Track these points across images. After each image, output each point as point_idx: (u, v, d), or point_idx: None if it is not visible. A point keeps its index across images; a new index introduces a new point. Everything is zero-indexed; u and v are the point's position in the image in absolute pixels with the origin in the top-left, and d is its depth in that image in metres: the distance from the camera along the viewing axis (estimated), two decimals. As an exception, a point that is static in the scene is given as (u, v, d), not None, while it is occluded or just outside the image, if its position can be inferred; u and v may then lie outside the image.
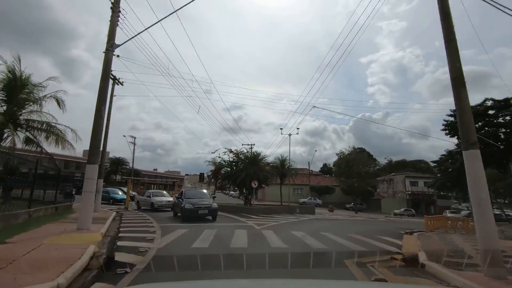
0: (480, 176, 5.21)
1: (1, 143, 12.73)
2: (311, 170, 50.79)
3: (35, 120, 14.11)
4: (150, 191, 21.86)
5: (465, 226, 14.79)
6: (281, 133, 33.51)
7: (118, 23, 9.40)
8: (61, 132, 14.59)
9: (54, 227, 8.52)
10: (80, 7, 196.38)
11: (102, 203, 24.84)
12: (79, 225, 8.46)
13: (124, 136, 42.06)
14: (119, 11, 9.30)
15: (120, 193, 25.17)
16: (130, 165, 51.12)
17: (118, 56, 11.52)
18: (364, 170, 40.78)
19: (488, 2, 6.45)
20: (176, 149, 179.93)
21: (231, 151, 22.02)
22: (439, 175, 48.42)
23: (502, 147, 28.35)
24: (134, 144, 44.92)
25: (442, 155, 39.15)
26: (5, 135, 13.00)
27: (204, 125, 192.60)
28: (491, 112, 35.22)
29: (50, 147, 14.79)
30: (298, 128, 55.17)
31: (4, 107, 13.31)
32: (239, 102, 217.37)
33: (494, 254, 4.78)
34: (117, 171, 57.07)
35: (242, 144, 22.09)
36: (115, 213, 15.52)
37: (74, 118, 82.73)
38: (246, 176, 19.77)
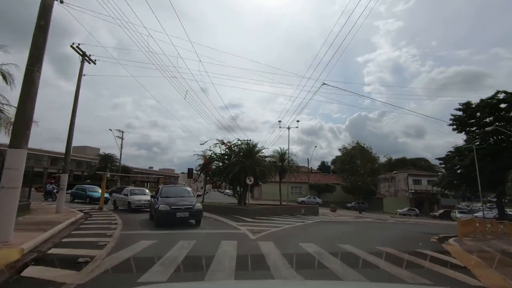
0: None
1: None
2: (311, 168, 48.05)
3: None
4: (128, 188, 18.74)
5: (494, 230, 13.08)
6: (279, 126, 30.07)
7: None
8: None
9: None
10: None
11: (77, 202, 22.06)
12: (-8, 236, 5.76)
13: (110, 130, 38.98)
14: None
15: (100, 191, 22.17)
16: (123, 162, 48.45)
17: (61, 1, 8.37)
18: (369, 166, 37.93)
19: None
20: (173, 147, 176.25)
21: (223, 143, 18.80)
22: (440, 173, 46.07)
23: None
24: (122, 138, 42.40)
25: (449, 151, 36.55)
26: None
27: (200, 123, 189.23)
28: (503, 105, 32.89)
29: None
30: (298, 121, 51.99)
31: None
32: (235, 101, 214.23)
33: None
34: (106, 168, 54.19)
35: (238, 139, 18.77)
36: (82, 214, 13.03)
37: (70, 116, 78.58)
38: (240, 170, 16.66)
